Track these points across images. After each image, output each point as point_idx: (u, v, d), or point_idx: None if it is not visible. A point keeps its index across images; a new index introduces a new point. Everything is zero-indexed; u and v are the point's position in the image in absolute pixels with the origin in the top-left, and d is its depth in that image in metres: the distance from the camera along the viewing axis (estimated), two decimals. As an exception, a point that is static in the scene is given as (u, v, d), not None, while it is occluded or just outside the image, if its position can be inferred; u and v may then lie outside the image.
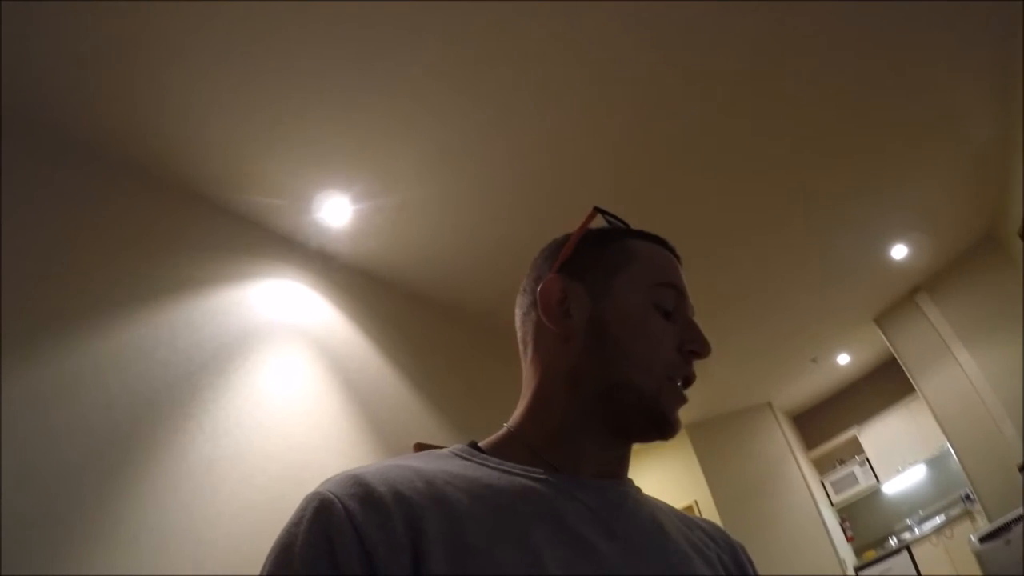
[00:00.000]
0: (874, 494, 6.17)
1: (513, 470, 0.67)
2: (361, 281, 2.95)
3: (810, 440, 6.47)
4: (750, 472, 5.76)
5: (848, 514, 6.13)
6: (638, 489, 0.76)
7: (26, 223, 1.95)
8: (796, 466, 5.76)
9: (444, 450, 0.71)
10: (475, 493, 0.61)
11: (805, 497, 5.60)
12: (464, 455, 0.70)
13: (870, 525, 6.18)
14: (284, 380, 2.37)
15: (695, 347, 0.72)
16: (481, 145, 2.50)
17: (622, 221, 0.84)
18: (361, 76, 2.15)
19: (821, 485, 6.13)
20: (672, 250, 0.82)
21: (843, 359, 5.85)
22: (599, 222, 0.83)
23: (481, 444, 0.74)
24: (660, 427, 0.70)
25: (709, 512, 5.57)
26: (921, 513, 5.82)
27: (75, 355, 1.90)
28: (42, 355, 1.83)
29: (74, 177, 2.14)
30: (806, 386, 6.09)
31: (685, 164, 2.83)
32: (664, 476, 6.05)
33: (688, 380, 0.73)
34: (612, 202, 2.44)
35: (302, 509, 0.57)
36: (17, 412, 1.71)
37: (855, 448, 6.23)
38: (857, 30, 2.35)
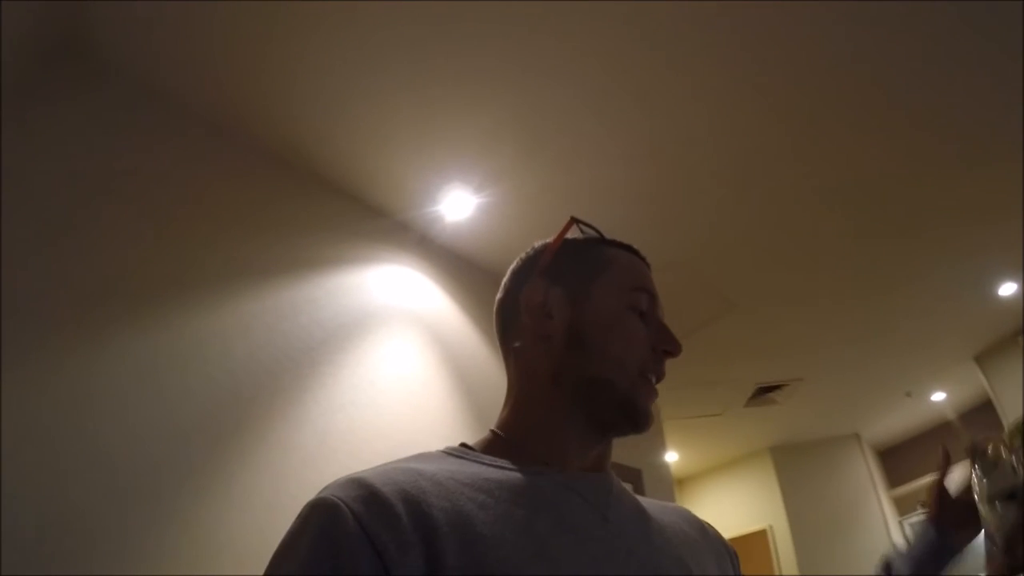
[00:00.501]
0: None
1: (508, 466, 0.69)
2: (475, 273, 3.01)
3: (894, 478, 6.18)
4: (829, 503, 5.58)
5: (932, 559, 5.89)
6: (618, 480, 0.79)
7: (168, 194, 2.08)
8: (877, 503, 5.56)
9: (436, 451, 0.74)
10: (477, 487, 0.63)
11: (882, 536, 5.40)
12: (458, 454, 0.72)
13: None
14: (397, 362, 2.44)
15: (667, 347, 0.78)
16: (607, 142, 2.51)
17: (597, 230, 0.88)
18: (491, 77, 2.20)
19: (899, 526, 5.89)
20: (644, 258, 0.87)
21: (938, 396, 5.56)
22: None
23: (472, 445, 0.77)
24: (634, 420, 0.74)
25: (783, 540, 5.44)
26: (994, 569, 5.56)
27: (205, 320, 2.01)
28: (174, 318, 1.95)
29: (213, 156, 2.27)
30: (897, 421, 5.83)
31: (790, 187, 2.79)
32: (742, 497, 5.96)
33: (659, 377, 0.78)
34: (715, 215, 2.45)
35: (304, 515, 0.58)
36: (149, 370, 1.82)
37: None
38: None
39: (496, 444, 0.76)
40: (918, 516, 5.79)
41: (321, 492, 0.59)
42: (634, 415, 0.74)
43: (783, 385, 4.74)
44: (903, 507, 6.11)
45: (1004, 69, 2.26)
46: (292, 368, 2.13)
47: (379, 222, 2.69)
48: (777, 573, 5.37)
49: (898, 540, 5.47)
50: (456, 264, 2.94)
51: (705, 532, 0.84)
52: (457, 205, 2.68)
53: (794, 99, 2.36)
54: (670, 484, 3.67)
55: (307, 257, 2.35)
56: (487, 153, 2.48)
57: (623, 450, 2.83)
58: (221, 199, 2.21)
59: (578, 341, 0.76)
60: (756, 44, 2.16)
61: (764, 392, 4.81)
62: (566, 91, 2.27)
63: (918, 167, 2.74)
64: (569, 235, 0.87)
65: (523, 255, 0.89)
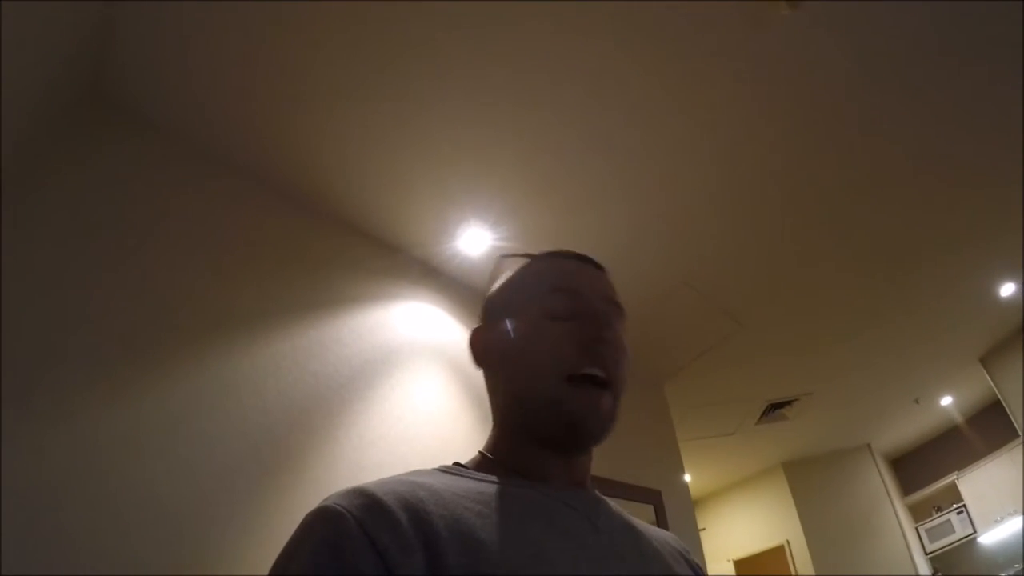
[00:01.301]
0: (969, 544, 5.86)
1: (499, 481, 0.71)
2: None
3: (908, 485, 6.23)
4: (845, 515, 5.60)
5: (941, 564, 5.84)
6: (603, 498, 0.80)
7: (201, 240, 2.13)
8: (892, 511, 5.58)
9: (430, 468, 0.75)
10: (473, 498, 0.65)
11: (899, 544, 5.42)
12: (452, 471, 0.73)
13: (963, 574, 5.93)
14: (423, 396, 2.49)
15: (593, 334, 0.73)
16: (617, 177, 2.58)
17: (527, 254, 0.89)
18: (505, 116, 2.27)
19: (916, 532, 5.90)
20: (580, 257, 0.85)
21: (946, 400, 5.62)
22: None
23: (464, 464, 0.78)
24: (573, 431, 0.73)
25: (801, 554, 5.44)
26: (1018, 567, 5.55)
27: (236, 360, 2.04)
28: (211, 360, 1.98)
29: (242, 201, 2.32)
30: (907, 428, 5.88)
31: (792, 208, 2.86)
32: (758, 514, 5.96)
33: (602, 369, 0.73)
34: (721, 239, 2.53)
35: (306, 523, 0.59)
36: (190, 411, 1.85)
37: (953, 495, 5.94)
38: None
39: (484, 464, 0.77)
40: (934, 521, 5.82)
41: (322, 502, 0.60)
42: (569, 426, 0.73)
43: (793, 400, 4.78)
44: (918, 513, 6.14)
45: (1005, 70, 2.35)
46: (323, 406, 2.17)
47: (399, 260, 2.75)
48: (798, 587, 5.37)
49: (914, 544, 5.49)
50: (474, 298, 2.97)
51: (688, 559, 0.85)
52: (474, 241, 2.74)
53: (795, 126, 2.43)
54: (690, 504, 3.69)
55: (332, 296, 2.40)
56: (502, 191, 2.55)
57: (642, 471, 2.86)
58: (252, 243, 2.26)
59: (506, 369, 0.79)
60: (764, 83, 2.24)
61: (775, 408, 4.85)
62: (575, 129, 2.33)
63: (917, 177, 2.80)
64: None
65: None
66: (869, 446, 5.90)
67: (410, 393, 2.45)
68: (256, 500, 1.88)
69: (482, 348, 0.83)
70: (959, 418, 6.01)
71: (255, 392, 2.04)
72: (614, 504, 0.81)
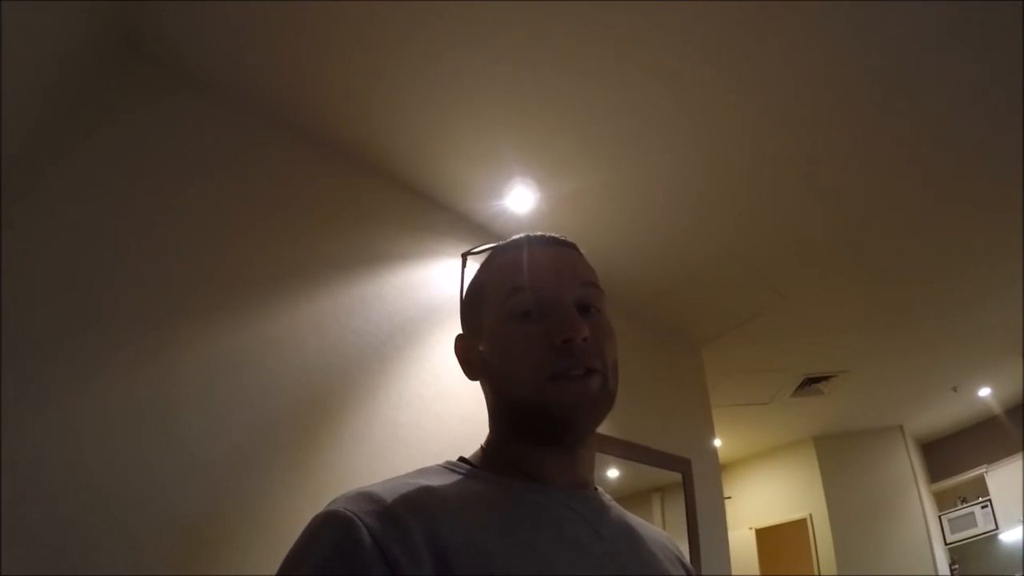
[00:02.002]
0: (990, 540, 5.81)
1: (506, 483, 0.71)
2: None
3: (936, 472, 6.18)
4: (870, 495, 5.59)
5: (960, 556, 5.83)
6: (607, 496, 0.81)
7: (248, 196, 2.14)
8: (917, 496, 5.54)
9: (436, 465, 0.75)
10: (482, 504, 0.65)
11: (920, 530, 5.40)
12: (460, 470, 0.73)
13: (980, 571, 5.89)
14: (462, 358, 2.49)
15: (561, 335, 0.70)
16: (662, 139, 2.52)
17: (490, 247, 0.87)
18: (556, 76, 2.21)
19: (938, 520, 5.87)
20: (538, 240, 0.81)
21: (984, 392, 5.49)
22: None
23: (469, 459, 0.79)
24: (556, 426, 0.71)
25: (822, 528, 5.46)
26: (1035, 570, 5.52)
27: (280, 317, 2.07)
28: (254, 316, 2.01)
29: (281, 153, 2.31)
30: (942, 415, 5.80)
31: (843, 180, 2.77)
32: (783, 486, 5.98)
33: (576, 367, 0.70)
34: (766, 209, 2.51)
35: (315, 527, 0.58)
36: (229, 366, 1.88)
37: (980, 488, 5.86)
38: None
39: (488, 460, 0.77)
40: (958, 512, 5.78)
41: (330, 505, 0.59)
42: (550, 422, 0.71)
43: (831, 376, 4.74)
44: (943, 502, 6.11)
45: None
46: (363, 363, 2.19)
47: (444, 216, 2.73)
48: (815, 562, 5.40)
49: (935, 533, 5.46)
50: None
51: (683, 562, 0.85)
52: (520, 200, 2.70)
53: (846, 99, 2.35)
54: (718, 474, 3.70)
55: (376, 253, 2.40)
56: (548, 150, 2.51)
57: (671, 439, 2.87)
58: (296, 199, 2.26)
59: (489, 375, 0.78)
60: (820, 48, 2.14)
61: (812, 383, 4.82)
62: (623, 92, 2.28)
63: (966, 165, 2.70)
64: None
65: None
66: (901, 428, 5.84)
67: (448, 352, 2.44)
68: (293, 454, 1.92)
69: (465, 359, 0.83)
70: (996, 410, 5.90)
71: (296, 349, 2.06)
72: (616, 505, 0.82)
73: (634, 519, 0.84)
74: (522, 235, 0.83)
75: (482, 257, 0.91)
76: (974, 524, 5.74)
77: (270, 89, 2.23)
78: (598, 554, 0.68)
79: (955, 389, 5.30)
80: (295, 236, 2.21)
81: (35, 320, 1.59)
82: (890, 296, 3.73)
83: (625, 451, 3.03)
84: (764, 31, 2.07)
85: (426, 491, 0.63)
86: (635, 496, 3.35)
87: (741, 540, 6.01)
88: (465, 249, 2.67)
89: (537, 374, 0.70)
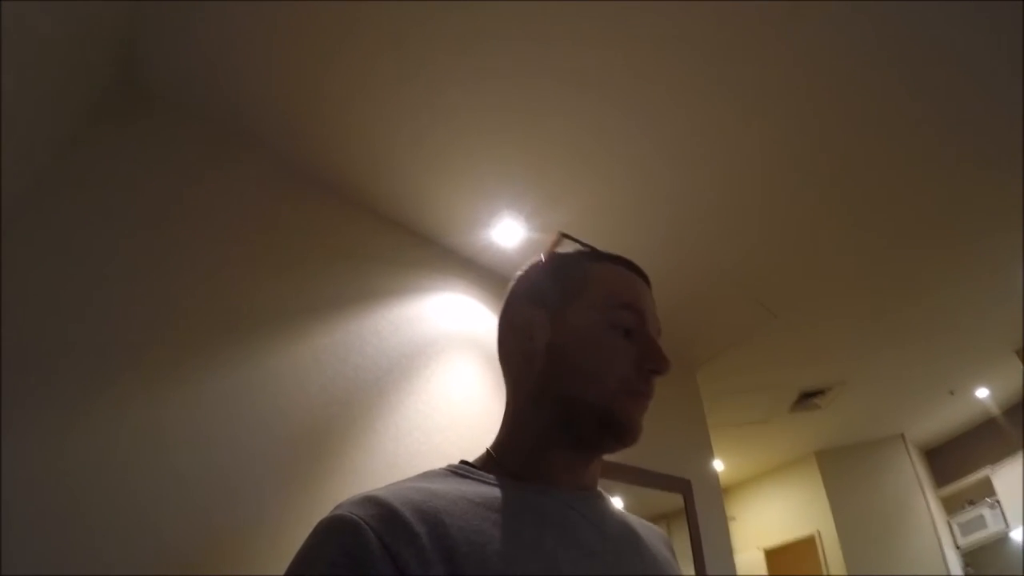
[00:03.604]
0: (1002, 540, 5.76)
1: (511, 485, 0.71)
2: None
3: (941, 477, 6.12)
4: (877, 506, 5.55)
5: (972, 559, 5.75)
6: (608, 497, 0.83)
7: (240, 233, 2.20)
8: (924, 503, 5.50)
9: (440, 468, 0.76)
10: (487, 506, 0.65)
11: (930, 537, 5.34)
12: (463, 472, 0.74)
13: (995, 572, 5.83)
14: (459, 387, 2.54)
15: (652, 365, 0.76)
16: (653, 165, 2.58)
17: (588, 245, 0.89)
18: (540, 105, 2.26)
19: (948, 525, 5.81)
20: (637, 271, 0.86)
21: (982, 393, 5.47)
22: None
23: (472, 462, 0.79)
24: (618, 435, 0.75)
25: (831, 544, 5.41)
26: (1048, 565, 5.47)
27: (280, 355, 2.11)
28: (250, 353, 2.04)
29: (274, 193, 2.38)
30: (941, 420, 5.78)
31: (826, 197, 2.83)
32: (789, 504, 5.93)
33: (646, 394, 0.77)
34: (755, 231, 2.50)
35: (321, 532, 0.58)
36: (224, 403, 1.91)
37: (987, 489, 5.83)
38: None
39: (491, 463, 0.78)
40: (967, 515, 5.76)
41: (336, 510, 0.60)
42: (616, 430, 0.74)
43: (826, 390, 4.75)
44: (951, 506, 6.05)
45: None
46: (363, 398, 2.23)
47: (434, 252, 2.80)
48: (826, 579, 5.36)
49: (945, 538, 5.43)
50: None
51: (670, 549, 0.89)
52: (507, 233, 2.76)
53: (836, 116, 2.41)
54: (719, 494, 3.70)
55: (371, 290, 2.46)
56: (537, 182, 2.56)
57: (670, 461, 2.89)
58: (290, 238, 2.32)
59: (556, 362, 0.77)
60: (802, 72, 2.21)
61: (808, 397, 4.82)
62: (612, 118, 2.33)
63: (951, 172, 2.76)
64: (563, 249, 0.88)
65: (518, 273, 0.90)
66: (903, 436, 5.82)
67: (445, 384, 2.51)
68: (292, 488, 1.94)
69: (528, 335, 0.81)
70: (995, 411, 5.90)
71: (297, 385, 2.10)
72: (615, 506, 0.84)
73: (633, 519, 0.86)
74: (618, 254, 0.87)
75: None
76: (984, 525, 5.67)
77: (267, 131, 2.31)
78: (602, 554, 0.69)
79: (952, 392, 5.29)
80: (291, 274, 2.27)
81: (28, 354, 1.62)
82: (880, 305, 3.77)
83: (624, 474, 3.03)
84: (756, 57, 2.15)
85: (431, 493, 0.63)
86: (642, 524, 3.34)
87: (750, 562, 5.97)
88: (454, 282, 2.77)
89: (619, 386, 0.74)
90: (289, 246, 2.31)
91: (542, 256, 0.88)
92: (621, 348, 0.77)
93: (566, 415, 0.75)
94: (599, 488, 0.83)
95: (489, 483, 0.72)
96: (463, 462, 0.79)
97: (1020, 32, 2.12)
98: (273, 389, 2.04)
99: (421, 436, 2.32)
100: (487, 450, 0.82)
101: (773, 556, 5.94)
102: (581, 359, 0.76)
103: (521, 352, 0.82)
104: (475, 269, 2.93)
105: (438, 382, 2.49)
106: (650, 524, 0.91)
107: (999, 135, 2.59)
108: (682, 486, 3.37)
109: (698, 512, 3.34)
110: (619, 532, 0.77)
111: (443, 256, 2.83)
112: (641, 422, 0.76)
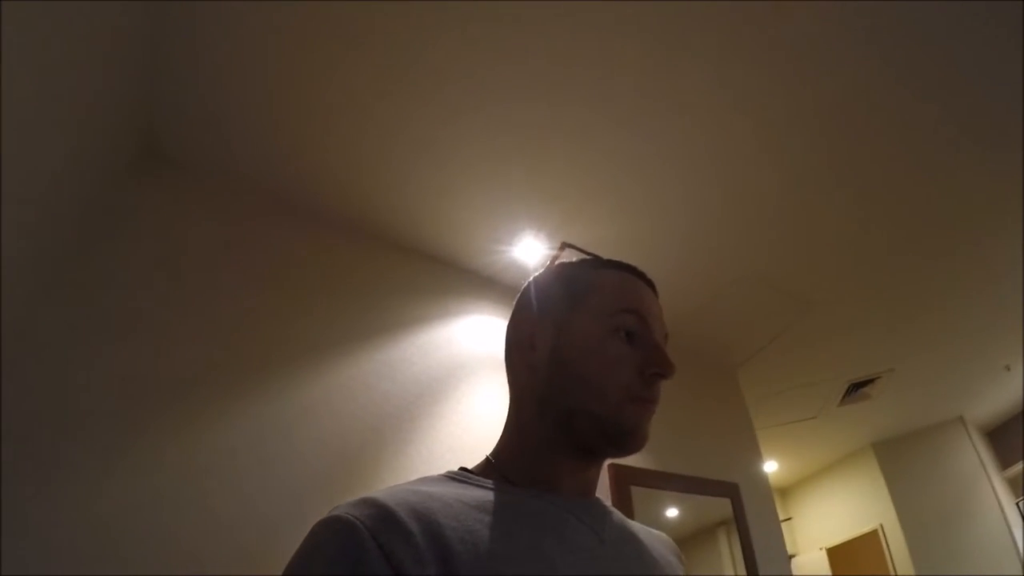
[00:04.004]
0: None
1: (508, 490, 0.72)
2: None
3: (1005, 458, 5.88)
4: (940, 494, 5.38)
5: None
6: (608, 505, 0.82)
7: (264, 275, 2.27)
8: (990, 487, 5.32)
9: (437, 475, 0.76)
10: (483, 509, 0.65)
11: (998, 521, 5.15)
12: (460, 478, 0.75)
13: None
14: (489, 408, 2.56)
15: (655, 368, 0.76)
16: (686, 178, 2.58)
17: (591, 254, 0.89)
18: (556, 122, 2.27)
19: (1017, 508, 5.57)
20: (641, 276, 0.86)
21: None
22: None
23: (471, 469, 0.80)
24: (621, 445, 0.75)
25: (895, 538, 5.27)
26: None
27: (311, 387, 2.16)
28: (282, 387, 2.10)
29: (299, 235, 2.45)
30: (1000, 397, 5.54)
31: (869, 179, 2.78)
32: (849, 499, 5.79)
33: (651, 398, 0.76)
34: (790, 220, 2.41)
35: (317, 533, 0.59)
36: (258, 438, 1.97)
37: None
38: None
39: (491, 470, 0.79)
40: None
41: (332, 511, 0.60)
42: (619, 437, 0.75)
43: (875, 378, 4.65)
44: (1018, 488, 5.82)
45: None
46: (394, 424, 2.26)
47: (456, 275, 2.84)
48: (892, 572, 5.21)
49: (1015, 521, 5.25)
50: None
51: (678, 556, 0.88)
52: (528, 251, 2.78)
53: (857, 104, 2.38)
54: (770, 495, 3.62)
55: (396, 319, 2.50)
56: (556, 198, 2.58)
57: (717, 466, 2.86)
58: (315, 277, 2.39)
59: (558, 371, 0.78)
60: (816, 68, 2.20)
61: (857, 388, 4.73)
62: (628, 132, 2.34)
63: (994, 145, 2.70)
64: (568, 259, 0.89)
65: (524, 285, 0.91)
66: (962, 418, 5.64)
67: (475, 405, 2.52)
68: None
69: (529, 343, 0.82)
70: (1056, 382, 5.69)
71: (330, 415, 2.15)
72: (617, 513, 0.84)
73: (635, 525, 0.86)
74: (621, 261, 0.88)
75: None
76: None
77: (284, 177, 2.37)
78: (601, 557, 0.70)
79: (1008, 368, 5.05)
80: (318, 312, 2.32)
81: (67, 399, 1.71)
82: (921, 284, 3.66)
83: (667, 482, 3.00)
84: (777, 60, 2.15)
85: (427, 496, 0.64)
86: (699, 533, 3.29)
87: (813, 563, 5.84)
88: (479, 304, 2.80)
89: (622, 392, 0.75)
90: (314, 286, 2.37)
91: (546, 266, 0.90)
92: (623, 354, 0.77)
93: (569, 425, 0.76)
94: (598, 496, 0.84)
95: (486, 487, 0.72)
96: (462, 469, 0.80)
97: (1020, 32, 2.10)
98: (305, 422, 2.08)
99: (453, 458, 2.33)
100: (486, 457, 0.83)
101: (835, 554, 5.79)
102: (583, 368, 0.76)
103: (524, 362, 0.83)
104: (499, 288, 2.95)
105: (468, 403, 2.51)
106: (658, 532, 0.91)
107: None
108: (729, 490, 3.32)
109: (748, 515, 3.29)
110: (618, 536, 0.77)
111: (466, 279, 2.87)
112: (647, 428, 0.77)
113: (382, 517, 0.58)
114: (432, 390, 2.44)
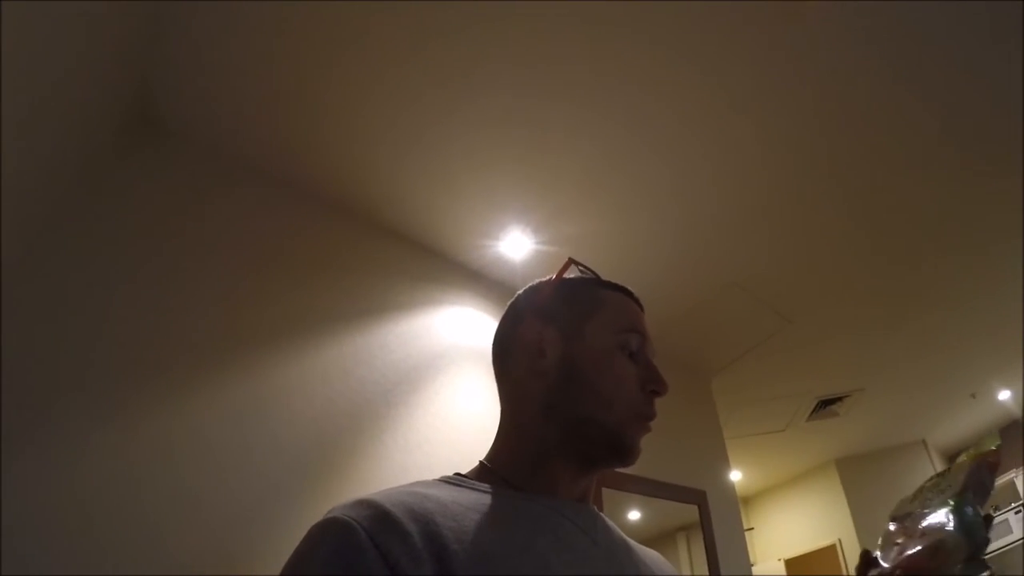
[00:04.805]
0: None
1: (503, 493, 0.72)
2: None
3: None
4: (899, 513, 5.47)
5: (997, 565, 5.66)
6: (600, 513, 0.82)
7: (247, 253, 2.24)
8: (948, 510, 5.43)
9: (432, 479, 0.75)
10: (479, 510, 0.65)
11: (955, 544, 5.27)
12: (455, 482, 0.74)
13: (1021, 578, 5.71)
14: (467, 400, 2.55)
15: (655, 387, 0.78)
16: (673, 184, 2.60)
17: (593, 271, 0.90)
18: (550, 118, 2.27)
19: (971, 531, 5.69)
20: (637, 300, 0.88)
21: (1004, 395, 5.37)
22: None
23: (465, 474, 0.78)
24: (622, 456, 0.76)
25: (852, 552, 5.33)
26: (1073, 572, 5.33)
27: (287, 369, 2.13)
28: (259, 368, 2.07)
29: (285, 213, 2.42)
30: (964, 424, 5.69)
31: (844, 203, 2.82)
32: (810, 512, 5.87)
33: (649, 416, 0.78)
34: (770, 238, 2.45)
35: (314, 534, 0.58)
36: (234, 418, 1.95)
37: (1012, 494, 5.71)
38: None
39: (486, 474, 0.77)
40: (1000, 515, 5.62)
41: (328, 513, 0.60)
42: (621, 451, 0.76)
43: (844, 397, 4.71)
44: (976, 512, 5.92)
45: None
46: (371, 410, 2.25)
47: (442, 265, 2.82)
48: (850, 588, 5.28)
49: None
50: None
51: (670, 568, 0.87)
52: (515, 246, 2.78)
53: (842, 120, 2.40)
54: (736, 504, 3.66)
55: (378, 304, 2.48)
56: (546, 194, 2.58)
57: (685, 472, 2.87)
58: (300, 256, 2.36)
59: (569, 379, 0.77)
60: (803, 78, 2.21)
61: (825, 405, 4.78)
62: (620, 131, 2.34)
63: (969, 175, 2.75)
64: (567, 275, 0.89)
65: (521, 292, 0.91)
66: (924, 442, 5.76)
67: (453, 397, 2.51)
68: (303, 503, 1.95)
69: (539, 349, 0.81)
70: (1018, 413, 5.77)
71: (305, 398, 2.12)
72: (609, 520, 0.84)
73: (629, 539, 0.86)
74: (617, 283, 0.88)
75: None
76: (1009, 531, 5.52)
77: (274, 155, 2.35)
78: (595, 558, 0.69)
79: (974, 395, 5.20)
80: (300, 292, 2.30)
81: (43, 373, 1.67)
82: (896, 309, 3.73)
83: (637, 485, 3.02)
84: (768, 58, 2.15)
85: (424, 497, 0.64)
86: (660, 537, 3.33)
87: (770, 572, 5.92)
88: (462, 296, 2.79)
89: (630, 407, 0.76)
90: (298, 265, 2.34)
91: (551, 278, 0.89)
92: (630, 371, 0.79)
93: (577, 434, 0.76)
94: (593, 505, 0.83)
95: (482, 491, 0.72)
96: (456, 474, 0.79)
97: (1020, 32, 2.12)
98: (281, 404, 2.06)
99: (430, 448, 2.32)
100: (481, 462, 0.81)
101: (793, 566, 5.88)
102: (596, 379, 0.77)
103: (530, 367, 0.81)
104: (484, 282, 2.94)
105: (447, 395, 2.49)
106: (649, 549, 0.90)
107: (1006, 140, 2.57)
108: (697, 497, 3.35)
109: (714, 523, 3.31)
110: (610, 540, 0.77)
111: (451, 269, 2.85)
112: (640, 445, 0.78)
113: (379, 518, 0.58)
114: (410, 379, 2.42)
